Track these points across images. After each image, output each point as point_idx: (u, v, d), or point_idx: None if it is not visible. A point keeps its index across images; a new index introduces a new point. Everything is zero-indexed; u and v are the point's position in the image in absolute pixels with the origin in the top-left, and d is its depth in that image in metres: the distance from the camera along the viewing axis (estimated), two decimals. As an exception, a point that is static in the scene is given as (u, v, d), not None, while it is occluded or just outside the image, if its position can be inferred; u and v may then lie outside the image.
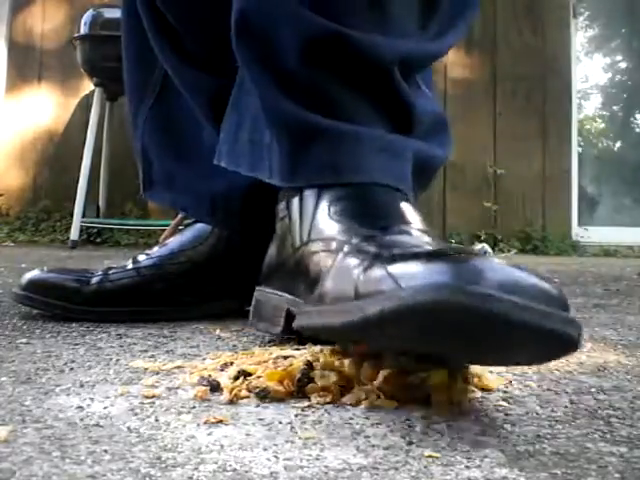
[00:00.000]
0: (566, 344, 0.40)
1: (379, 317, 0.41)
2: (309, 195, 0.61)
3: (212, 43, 0.81)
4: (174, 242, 0.88)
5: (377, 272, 0.44)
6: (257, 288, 0.71)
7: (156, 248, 0.89)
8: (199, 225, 0.89)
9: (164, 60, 0.85)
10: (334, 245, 0.54)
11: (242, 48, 0.67)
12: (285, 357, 0.54)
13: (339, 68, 0.62)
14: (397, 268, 0.43)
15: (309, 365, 0.50)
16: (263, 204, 0.83)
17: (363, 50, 0.62)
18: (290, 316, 0.59)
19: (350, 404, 0.47)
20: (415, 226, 0.54)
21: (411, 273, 0.42)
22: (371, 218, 0.55)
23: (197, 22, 0.82)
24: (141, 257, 0.87)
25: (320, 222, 0.58)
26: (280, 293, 0.64)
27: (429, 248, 0.47)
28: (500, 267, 0.40)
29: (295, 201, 0.63)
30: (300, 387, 0.49)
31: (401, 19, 0.65)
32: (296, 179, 0.63)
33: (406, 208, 0.57)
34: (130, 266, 0.86)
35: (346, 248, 0.51)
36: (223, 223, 0.87)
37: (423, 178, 0.68)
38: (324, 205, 0.59)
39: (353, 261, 0.49)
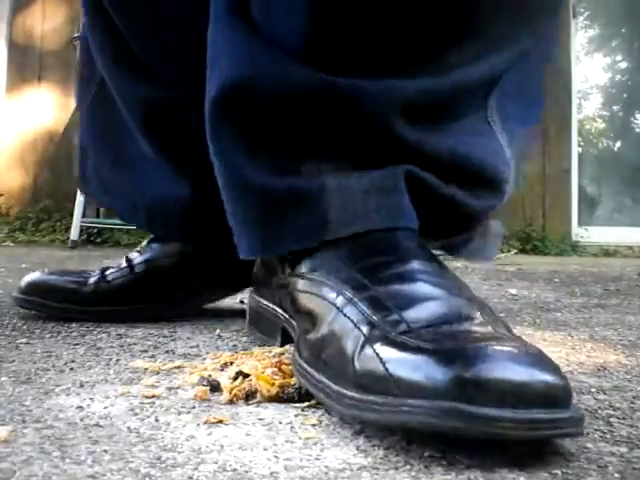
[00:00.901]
0: (567, 437, 0.40)
1: (378, 423, 0.41)
2: None
3: (157, 53, 0.79)
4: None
5: (372, 358, 0.42)
6: (251, 293, 0.71)
7: (144, 244, 0.88)
8: None
9: (101, 63, 0.82)
10: (324, 289, 0.50)
11: (224, 129, 0.58)
12: (282, 353, 0.54)
13: (324, 127, 0.56)
14: (393, 361, 0.41)
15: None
16: (203, 213, 0.83)
17: (354, 101, 0.54)
18: (286, 333, 0.59)
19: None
20: (409, 263, 0.50)
21: (403, 374, 0.39)
22: (359, 256, 0.51)
23: (144, 30, 0.78)
24: (134, 255, 0.87)
25: (305, 258, 0.54)
26: (274, 308, 0.62)
27: (445, 331, 0.43)
28: (498, 365, 0.38)
29: None
30: (300, 394, 0.48)
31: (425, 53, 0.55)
32: (277, 250, 0.58)
33: (399, 240, 0.52)
34: (124, 265, 0.86)
35: (339, 302, 0.48)
36: (161, 232, 0.87)
37: (448, 222, 0.60)
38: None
39: (346, 324, 0.46)
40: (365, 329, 0.44)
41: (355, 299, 0.47)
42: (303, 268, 0.55)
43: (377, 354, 0.42)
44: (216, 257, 0.85)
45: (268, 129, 0.57)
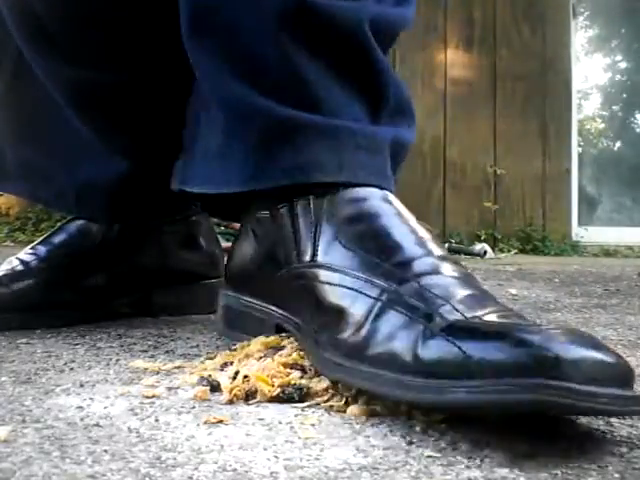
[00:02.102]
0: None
1: (454, 405, 0.41)
2: (302, 206, 0.57)
3: (80, 29, 0.76)
4: (58, 237, 0.84)
5: (442, 344, 0.42)
6: (226, 292, 0.67)
7: (39, 246, 0.83)
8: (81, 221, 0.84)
9: (23, 43, 0.77)
10: (358, 284, 0.50)
11: (201, 46, 0.61)
12: (279, 348, 0.54)
13: (310, 41, 0.58)
14: (469, 345, 0.41)
15: (302, 370, 0.50)
16: (134, 195, 0.83)
17: (330, 15, 0.57)
18: (281, 330, 0.58)
19: (354, 414, 0.46)
20: (434, 251, 0.51)
21: (484, 356, 0.40)
22: (387, 248, 0.51)
23: (62, 13, 0.75)
24: (27, 257, 0.82)
25: (327, 245, 0.54)
26: (266, 305, 0.61)
27: (492, 319, 0.44)
28: (570, 346, 0.39)
29: (284, 211, 0.58)
30: (301, 395, 0.48)
31: None
32: (264, 183, 0.58)
33: (414, 227, 0.54)
34: (20, 267, 0.80)
35: (385, 297, 0.48)
36: (89, 213, 0.84)
37: (396, 166, 0.63)
38: (327, 225, 0.54)
39: (398, 318, 0.46)
40: (423, 320, 0.44)
41: (402, 294, 0.47)
42: (324, 257, 0.53)
43: (448, 340, 0.41)
44: (125, 249, 0.84)
45: (261, 52, 0.58)
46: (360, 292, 0.49)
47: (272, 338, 0.58)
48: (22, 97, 0.83)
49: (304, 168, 0.57)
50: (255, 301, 0.62)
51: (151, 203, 0.86)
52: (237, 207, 0.66)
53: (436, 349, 0.42)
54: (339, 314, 0.49)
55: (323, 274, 0.53)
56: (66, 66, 0.77)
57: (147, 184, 0.84)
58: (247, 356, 0.55)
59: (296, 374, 0.50)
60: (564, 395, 0.37)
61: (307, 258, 0.55)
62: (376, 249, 0.52)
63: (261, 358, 0.53)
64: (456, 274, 0.50)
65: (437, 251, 0.52)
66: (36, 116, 0.83)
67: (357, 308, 0.48)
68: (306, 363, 0.52)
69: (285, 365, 0.51)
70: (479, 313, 0.45)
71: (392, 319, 0.46)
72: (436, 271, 0.49)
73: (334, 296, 0.51)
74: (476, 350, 0.40)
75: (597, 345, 0.40)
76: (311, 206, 0.56)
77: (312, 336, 0.52)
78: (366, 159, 0.58)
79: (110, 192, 0.82)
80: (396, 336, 0.44)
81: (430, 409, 0.43)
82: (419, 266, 0.49)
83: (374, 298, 0.48)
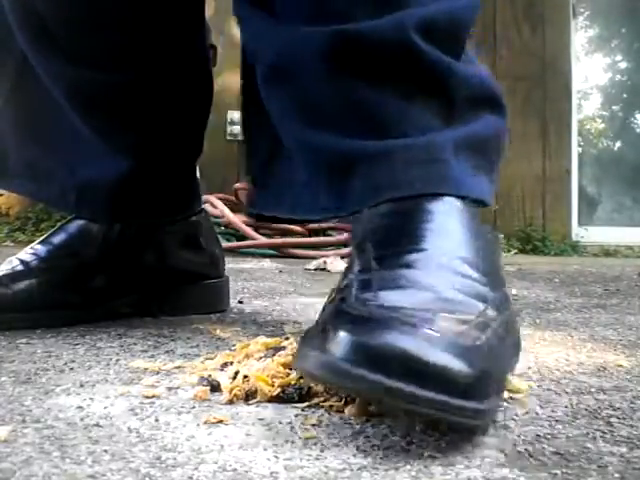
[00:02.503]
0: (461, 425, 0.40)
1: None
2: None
3: (84, 30, 0.76)
4: (58, 237, 0.84)
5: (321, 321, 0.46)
6: None
7: (39, 246, 0.83)
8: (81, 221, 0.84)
9: (26, 43, 0.78)
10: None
11: (271, 95, 0.66)
12: (277, 349, 0.54)
13: (360, 69, 0.60)
14: (330, 321, 0.44)
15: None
16: (135, 195, 0.83)
17: (375, 38, 0.58)
18: None
19: (353, 415, 0.46)
20: (425, 246, 0.51)
21: (332, 336, 0.41)
22: (387, 239, 0.53)
23: (67, 14, 0.76)
24: (27, 257, 0.81)
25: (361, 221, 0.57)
26: None
27: (374, 306, 0.45)
28: (407, 344, 0.39)
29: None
30: (301, 395, 0.48)
31: None
32: (345, 210, 0.61)
33: (426, 224, 0.53)
34: (20, 267, 0.80)
35: (343, 282, 0.51)
36: (89, 213, 0.84)
37: (484, 158, 0.62)
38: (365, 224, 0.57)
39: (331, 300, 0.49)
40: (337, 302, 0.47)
41: (354, 279, 0.50)
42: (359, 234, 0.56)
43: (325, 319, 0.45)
44: (125, 249, 0.84)
45: (318, 94, 0.62)
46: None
47: (272, 339, 0.59)
48: (26, 97, 0.83)
49: (367, 195, 0.58)
50: None
51: (152, 203, 0.86)
52: None
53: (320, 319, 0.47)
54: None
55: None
56: (69, 67, 0.77)
57: (148, 184, 0.84)
58: (247, 356, 0.55)
59: (296, 374, 0.50)
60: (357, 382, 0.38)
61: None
62: (376, 239, 0.53)
63: (261, 358, 0.53)
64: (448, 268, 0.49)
65: (456, 241, 0.52)
66: (39, 116, 0.83)
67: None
68: None
69: (285, 365, 0.51)
70: (399, 307, 0.44)
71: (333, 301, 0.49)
72: (412, 265, 0.49)
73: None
74: (331, 324, 0.43)
75: (449, 350, 0.40)
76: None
77: None
78: (420, 171, 0.57)
79: (111, 192, 0.82)
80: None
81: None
82: (404, 258, 0.50)
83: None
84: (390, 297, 0.45)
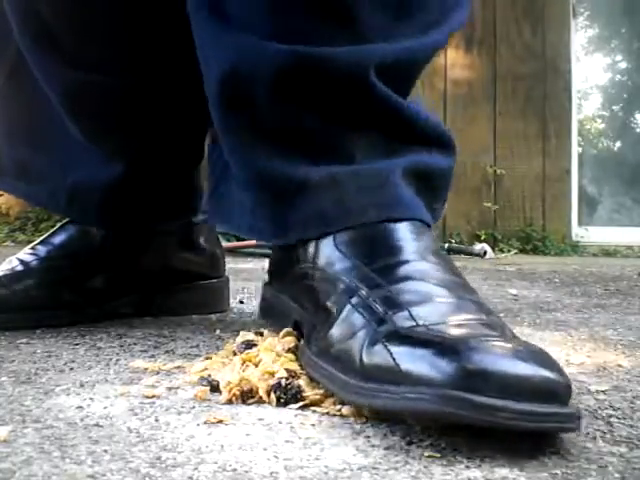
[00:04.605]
0: (565, 432, 0.41)
1: (381, 409, 0.43)
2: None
3: (86, 32, 0.76)
4: (58, 237, 0.83)
5: (380, 352, 0.44)
6: (266, 284, 0.70)
7: (39, 246, 0.83)
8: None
9: (24, 44, 0.77)
10: (341, 287, 0.52)
11: (222, 118, 0.63)
12: (276, 350, 0.54)
13: (309, 94, 0.58)
14: (401, 353, 0.42)
15: (293, 375, 0.50)
16: (128, 201, 0.83)
17: (328, 66, 0.57)
18: (298, 327, 0.59)
19: (352, 415, 0.46)
20: (417, 258, 0.52)
21: (410, 364, 0.41)
22: (374, 255, 0.53)
23: (70, 16, 0.75)
24: (26, 257, 0.81)
25: (325, 249, 0.56)
26: (288, 300, 0.62)
27: (455, 328, 0.44)
28: (502, 359, 0.39)
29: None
30: (287, 398, 0.48)
31: (371, 23, 0.58)
32: (287, 238, 0.61)
33: (404, 238, 0.54)
34: (20, 268, 0.80)
35: (354, 300, 0.50)
36: (80, 216, 0.83)
37: (427, 187, 0.62)
38: (329, 236, 0.57)
39: (359, 320, 0.48)
40: (375, 325, 0.46)
41: (370, 298, 0.49)
42: (322, 260, 0.56)
43: (386, 347, 0.43)
44: (124, 250, 0.84)
45: (267, 115, 0.60)
46: (340, 294, 0.51)
47: (271, 340, 0.58)
48: (19, 96, 0.82)
49: (312, 223, 0.58)
50: (281, 295, 0.65)
51: (144, 209, 0.85)
52: None
53: (375, 355, 0.44)
54: (324, 313, 0.52)
55: (317, 273, 0.56)
56: (68, 69, 0.77)
57: (142, 190, 0.84)
58: (247, 357, 0.55)
59: (293, 375, 0.50)
60: (464, 407, 0.37)
61: (310, 259, 0.57)
62: (364, 253, 0.53)
63: (260, 359, 0.53)
64: (443, 280, 0.50)
65: (432, 259, 0.52)
66: (31, 116, 0.82)
67: (334, 309, 0.51)
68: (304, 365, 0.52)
69: (283, 367, 0.51)
70: (446, 320, 0.45)
71: (355, 321, 0.48)
72: (421, 277, 0.50)
73: (324, 297, 0.53)
74: (405, 358, 0.42)
75: (537, 361, 0.40)
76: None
77: (308, 333, 0.54)
78: (371, 197, 0.57)
79: (103, 196, 0.82)
80: (353, 337, 0.47)
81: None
82: (403, 271, 0.51)
83: (347, 300, 0.50)
84: (429, 314, 0.45)
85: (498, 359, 0.39)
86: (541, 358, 0.41)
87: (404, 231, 0.55)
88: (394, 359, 0.42)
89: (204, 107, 0.88)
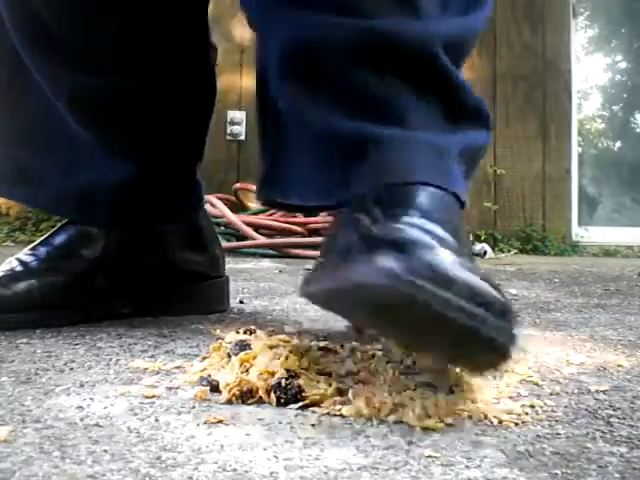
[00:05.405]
0: (491, 349, 0.43)
1: (328, 292, 0.50)
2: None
3: (86, 33, 0.76)
4: (58, 238, 0.83)
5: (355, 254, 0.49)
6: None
7: (39, 246, 0.82)
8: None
9: (22, 47, 0.77)
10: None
11: (294, 80, 0.66)
12: (277, 350, 0.54)
13: (383, 64, 0.62)
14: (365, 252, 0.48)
15: (293, 375, 0.50)
16: (138, 200, 0.83)
17: (400, 39, 0.62)
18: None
19: (352, 415, 0.46)
20: (424, 217, 0.54)
21: (367, 257, 0.46)
22: (388, 204, 0.56)
23: (75, 18, 0.76)
24: (26, 257, 0.81)
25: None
26: None
27: (399, 235, 0.49)
28: (448, 265, 0.44)
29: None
30: (287, 398, 0.48)
31: (427, 1, 0.63)
32: (348, 194, 0.62)
33: (428, 199, 0.58)
34: (19, 268, 0.79)
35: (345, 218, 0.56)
36: (85, 218, 0.83)
37: (471, 167, 0.68)
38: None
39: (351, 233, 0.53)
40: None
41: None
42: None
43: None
44: (126, 250, 0.83)
45: (338, 82, 0.64)
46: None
47: (271, 341, 0.59)
48: (20, 99, 0.82)
49: (373, 179, 0.61)
50: None
51: (153, 207, 0.86)
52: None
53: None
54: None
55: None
56: (69, 70, 0.77)
57: (150, 189, 0.84)
58: (246, 357, 0.55)
59: (293, 375, 0.50)
60: (414, 288, 0.42)
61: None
62: (377, 203, 0.57)
63: (260, 359, 0.53)
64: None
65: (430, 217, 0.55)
66: (33, 119, 0.82)
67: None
68: (304, 365, 0.52)
69: (283, 367, 0.51)
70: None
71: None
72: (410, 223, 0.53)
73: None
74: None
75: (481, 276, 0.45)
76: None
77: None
78: (429, 165, 0.61)
79: (114, 197, 0.82)
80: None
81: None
82: (397, 217, 0.54)
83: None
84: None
85: (445, 263, 0.44)
86: (488, 280, 0.45)
87: (450, 201, 0.60)
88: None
89: (208, 103, 0.88)
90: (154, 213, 0.86)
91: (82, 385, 0.52)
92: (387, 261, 0.44)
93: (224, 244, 0.95)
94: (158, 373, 0.56)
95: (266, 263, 2.01)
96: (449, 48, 0.63)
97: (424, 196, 0.57)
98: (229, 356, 0.55)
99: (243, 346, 0.56)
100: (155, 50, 0.80)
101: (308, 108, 0.65)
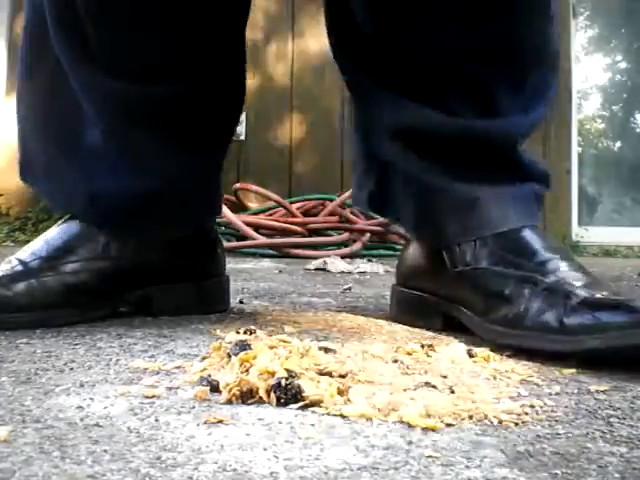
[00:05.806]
0: None
1: (590, 350, 0.60)
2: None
3: (125, 35, 0.77)
4: (58, 237, 0.83)
5: (580, 313, 0.61)
6: (397, 286, 0.86)
7: (38, 245, 0.82)
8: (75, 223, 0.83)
9: (60, 50, 0.78)
10: (513, 278, 0.69)
11: (399, 150, 0.79)
12: (277, 350, 0.54)
13: (458, 156, 0.77)
14: (597, 312, 0.60)
15: (293, 375, 0.50)
16: (156, 210, 0.83)
17: (483, 135, 0.76)
18: (447, 317, 0.77)
19: (352, 415, 0.46)
20: (558, 254, 0.71)
21: (609, 318, 0.59)
22: (527, 253, 0.71)
23: (122, 29, 0.77)
24: (26, 256, 0.81)
25: (481, 251, 0.73)
26: (434, 298, 0.79)
27: (607, 296, 0.63)
28: None
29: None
30: (287, 398, 0.48)
31: (503, 100, 0.76)
32: (447, 241, 0.77)
33: (541, 240, 0.73)
34: (19, 268, 0.79)
35: (529, 286, 0.67)
36: (98, 222, 0.82)
37: (540, 203, 0.85)
38: (481, 242, 0.74)
39: (547, 298, 0.65)
40: (563, 299, 0.63)
41: (546, 281, 0.67)
42: (483, 262, 0.73)
43: (584, 309, 0.61)
44: (128, 250, 0.83)
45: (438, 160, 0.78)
46: (515, 282, 0.68)
47: (271, 341, 0.59)
48: (52, 99, 0.82)
49: (471, 230, 0.76)
50: (424, 293, 0.81)
51: (169, 220, 0.86)
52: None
53: (576, 317, 0.61)
54: (501, 299, 0.69)
55: (482, 273, 0.72)
56: (104, 76, 0.77)
57: (171, 203, 0.84)
58: (246, 357, 0.55)
59: (293, 375, 0.50)
60: None
61: (469, 261, 0.74)
62: (518, 254, 0.71)
63: (260, 359, 0.53)
64: (575, 269, 0.69)
65: (559, 253, 0.71)
66: (59, 120, 0.82)
67: (514, 294, 0.68)
68: (304, 365, 0.52)
69: (283, 367, 0.51)
70: (598, 292, 0.64)
71: (541, 299, 0.65)
72: (561, 268, 0.68)
73: (495, 286, 0.70)
74: (603, 315, 0.60)
75: None
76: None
77: (479, 316, 0.71)
78: (522, 209, 0.77)
79: (131, 206, 0.82)
80: (545, 311, 0.64)
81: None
82: (551, 265, 0.69)
83: (526, 286, 0.67)
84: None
85: None
86: None
87: (537, 235, 0.74)
88: (595, 316, 0.60)
89: (236, 115, 0.88)
90: (169, 226, 0.86)
91: (82, 385, 0.52)
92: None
93: (224, 244, 0.95)
94: (158, 373, 0.56)
95: (266, 263, 2.01)
96: (524, 138, 0.79)
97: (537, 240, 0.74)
98: (229, 356, 0.55)
99: (243, 346, 0.56)
100: (194, 60, 0.80)
101: (413, 175, 0.79)
